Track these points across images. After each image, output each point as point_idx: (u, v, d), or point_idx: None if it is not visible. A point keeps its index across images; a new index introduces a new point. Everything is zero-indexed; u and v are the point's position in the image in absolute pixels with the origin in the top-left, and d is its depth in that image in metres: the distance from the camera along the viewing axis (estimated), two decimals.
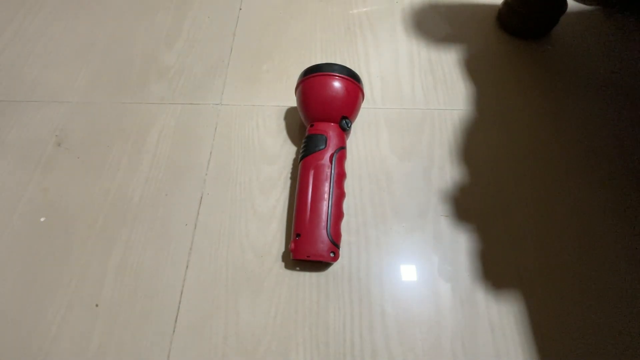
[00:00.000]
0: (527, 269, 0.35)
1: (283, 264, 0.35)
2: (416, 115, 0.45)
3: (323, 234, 0.33)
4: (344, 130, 0.37)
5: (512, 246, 0.36)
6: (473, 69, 0.49)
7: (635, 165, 0.41)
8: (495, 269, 0.35)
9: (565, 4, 0.49)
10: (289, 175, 0.40)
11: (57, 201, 0.39)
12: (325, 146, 0.36)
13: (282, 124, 0.44)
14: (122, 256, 0.36)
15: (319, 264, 0.35)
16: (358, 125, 0.43)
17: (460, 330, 0.32)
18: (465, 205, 0.38)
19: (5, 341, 0.32)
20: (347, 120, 0.37)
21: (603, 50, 0.51)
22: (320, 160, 0.35)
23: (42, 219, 0.38)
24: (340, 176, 0.35)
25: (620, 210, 0.39)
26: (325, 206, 0.34)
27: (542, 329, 0.32)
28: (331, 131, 0.36)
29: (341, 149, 0.36)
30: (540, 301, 0.34)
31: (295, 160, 0.41)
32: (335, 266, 0.35)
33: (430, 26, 0.53)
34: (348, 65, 0.37)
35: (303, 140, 0.37)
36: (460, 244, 0.36)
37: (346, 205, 0.38)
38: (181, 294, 0.34)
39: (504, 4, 0.52)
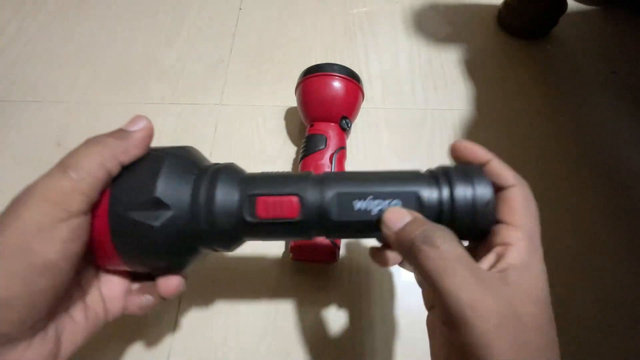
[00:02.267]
0: None
1: (283, 264, 0.35)
2: (416, 115, 0.45)
3: None
4: (344, 130, 0.37)
5: None
6: (473, 69, 0.49)
7: (635, 165, 0.41)
8: None
9: (565, 4, 0.49)
10: None
11: None
12: (325, 146, 0.36)
13: (282, 124, 0.44)
14: None
15: (319, 264, 0.35)
16: (358, 125, 0.43)
17: None
18: None
19: None
20: (347, 120, 0.37)
21: (603, 50, 0.51)
22: (320, 160, 0.35)
23: None
24: None
25: (621, 210, 0.39)
26: None
27: None
28: (331, 131, 0.36)
29: (341, 149, 0.36)
30: None
31: (295, 160, 0.41)
32: (336, 266, 0.35)
33: (430, 26, 0.53)
34: (348, 65, 0.37)
35: (303, 140, 0.37)
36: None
37: None
38: (181, 293, 0.34)
39: (504, 4, 0.52)
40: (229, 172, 0.23)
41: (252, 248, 0.36)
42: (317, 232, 0.23)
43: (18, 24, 0.53)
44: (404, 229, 0.19)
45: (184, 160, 0.22)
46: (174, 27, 0.53)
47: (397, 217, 0.20)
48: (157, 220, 0.20)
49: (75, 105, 0.45)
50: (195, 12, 0.54)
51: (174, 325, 0.33)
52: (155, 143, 0.45)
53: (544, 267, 0.19)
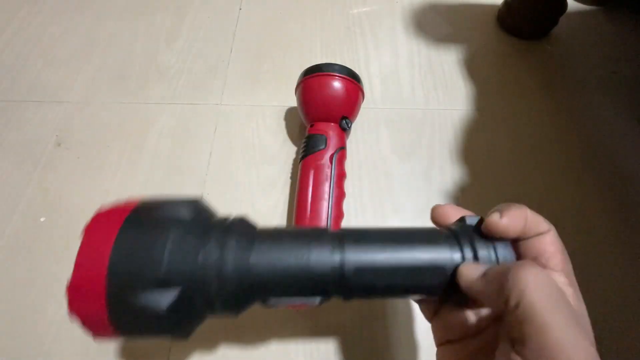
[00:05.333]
0: None
1: None
2: (416, 115, 0.45)
3: None
4: (344, 130, 0.37)
5: None
6: (473, 69, 0.49)
7: (635, 165, 0.41)
8: None
9: (565, 4, 0.49)
10: (289, 175, 0.40)
11: (57, 201, 0.39)
12: (325, 146, 0.36)
13: (282, 124, 0.44)
14: None
15: None
16: (358, 125, 0.43)
17: None
18: (465, 205, 0.38)
19: (5, 341, 0.32)
20: (347, 120, 0.37)
21: (603, 50, 0.51)
22: (320, 161, 0.35)
23: (42, 219, 0.38)
24: (340, 176, 0.35)
25: (621, 209, 0.39)
26: (325, 206, 0.34)
27: None
28: (331, 131, 0.36)
29: (341, 149, 0.36)
30: None
31: (295, 160, 0.41)
32: None
33: (430, 26, 0.53)
34: (348, 65, 0.37)
35: (303, 140, 0.37)
36: None
37: (346, 205, 0.38)
38: None
39: (504, 4, 0.52)
40: (239, 244, 0.21)
41: None
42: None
43: (18, 24, 0.53)
44: (488, 270, 0.19)
45: (190, 225, 0.20)
46: (174, 27, 0.53)
47: (475, 267, 0.20)
48: (163, 301, 0.18)
49: (75, 105, 0.45)
50: (195, 12, 0.54)
51: None
52: (155, 143, 0.45)
53: None
